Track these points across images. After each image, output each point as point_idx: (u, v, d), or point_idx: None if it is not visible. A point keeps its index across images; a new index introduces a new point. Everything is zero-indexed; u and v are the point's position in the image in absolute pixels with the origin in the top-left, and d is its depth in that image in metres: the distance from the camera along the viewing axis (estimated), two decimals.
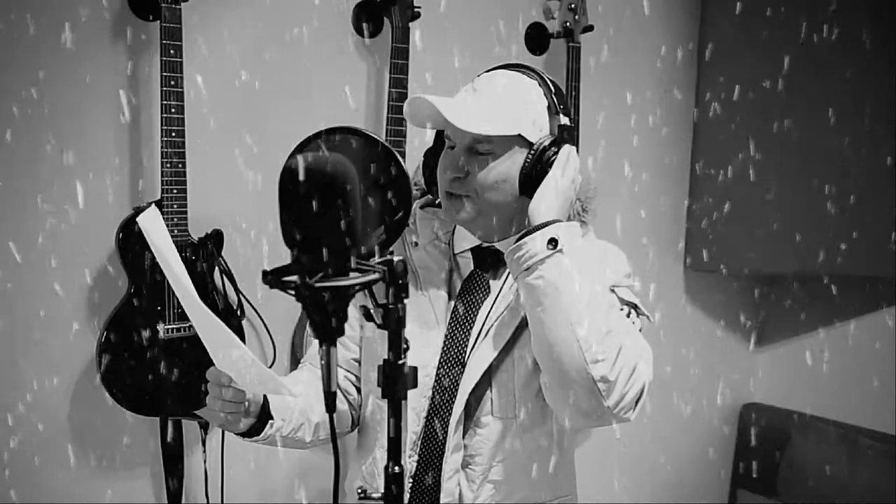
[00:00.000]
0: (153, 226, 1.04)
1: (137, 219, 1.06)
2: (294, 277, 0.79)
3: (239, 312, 1.93)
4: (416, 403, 1.26)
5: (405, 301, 0.85)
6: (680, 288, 2.85)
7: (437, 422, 1.25)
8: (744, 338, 3.01)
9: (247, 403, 1.20)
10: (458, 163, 1.20)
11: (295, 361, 2.08)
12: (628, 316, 1.18)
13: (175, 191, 1.76)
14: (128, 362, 1.78)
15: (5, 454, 1.80)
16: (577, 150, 1.23)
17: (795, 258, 2.59)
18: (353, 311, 1.23)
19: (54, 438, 1.87)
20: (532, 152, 1.19)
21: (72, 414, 1.89)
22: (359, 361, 1.38)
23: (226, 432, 1.76)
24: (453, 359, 1.26)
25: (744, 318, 2.99)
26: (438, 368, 1.26)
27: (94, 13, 1.80)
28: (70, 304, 1.85)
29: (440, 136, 1.28)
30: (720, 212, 2.61)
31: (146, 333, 1.78)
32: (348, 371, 1.39)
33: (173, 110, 1.73)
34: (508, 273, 1.22)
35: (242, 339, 1.90)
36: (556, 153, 1.19)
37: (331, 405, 0.85)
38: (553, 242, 1.10)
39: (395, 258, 0.85)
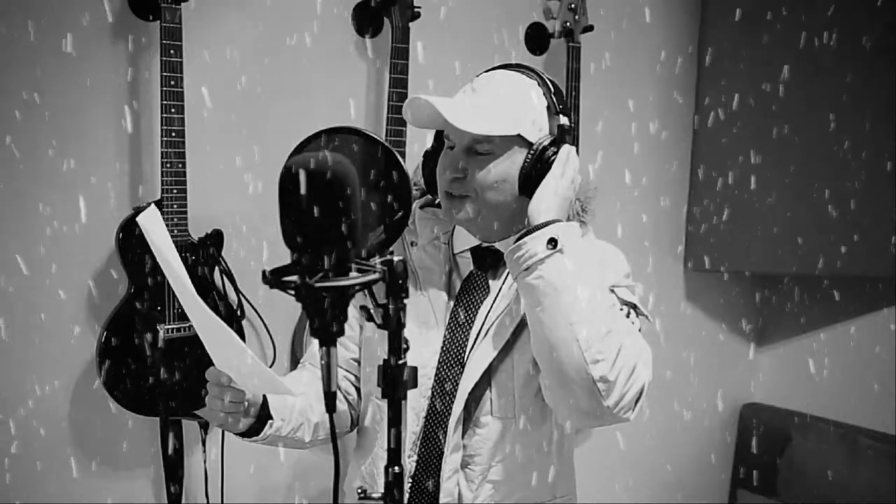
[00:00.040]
0: (153, 225, 1.04)
1: (137, 218, 1.06)
2: (294, 277, 0.79)
3: (239, 313, 1.93)
4: (416, 403, 1.26)
5: (405, 301, 0.85)
6: (680, 289, 2.85)
7: (436, 422, 1.25)
8: (744, 338, 3.01)
9: (246, 403, 1.20)
10: (457, 163, 1.20)
11: (295, 361, 2.08)
12: (627, 316, 1.18)
13: (175, 191, 1.76)
14: (128, 363, 1.78)
15: (5, 455, 1.80)
16: (577, 151, 1.23)
17: (796, 259, 2.59)
18: (352, 311, 1.24)
19: (54, 439, 1.87)
20: (531, 152, 1.19)
21: (72, 414, 1.89)
22: (358, 361, 1.38)
23: (226, 432, 1.76)
24: (453, 359, 1.26)
25: (744, 319, 2.99)
26: (438, 369, 1.26)
27: (93, 13, 1.80)
28: (70, 304, 1.85)
29: (440, 137, 1.28)
30: (720, 213, 2.62)
31: (146, 334, 1.78)
32: (347, 371, 1.39)
33: (173, 110, 1.73)
34: (508, 273, 1.22)
35: (242, 339, 1.90)
36: (555, 153, 1.19)
37: (331, 405, 0.85)
38: (553, 242, 1.10)
39: (395, 258, 0.85)
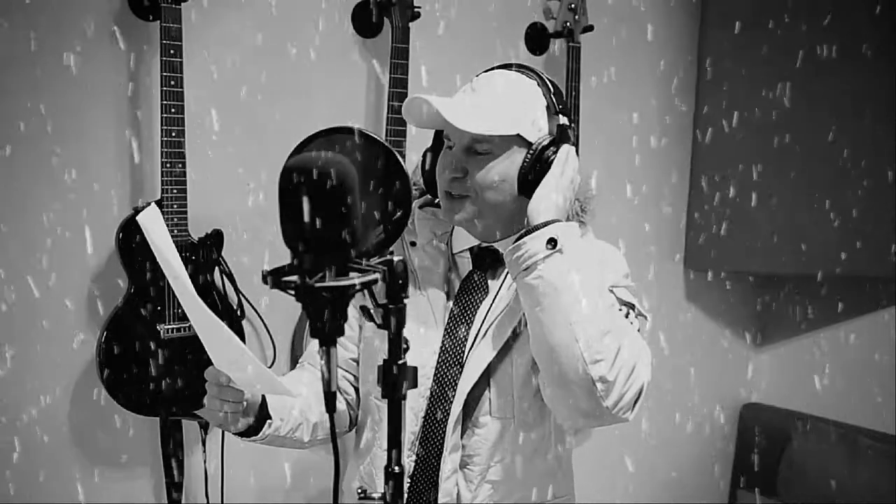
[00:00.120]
0: (153, 224, 1.04)
1: (137, 218, 1.06)
2: (294, 277, 0.79)
3: (239, 312, 1.93)
4: (415, 403, 1.26)
5: (404, 301, 0.85)
6: (680, 289, 2.85)
7: (435, 422, 1.25)
8: (744, 338, 3.01)
9: (245, 403, 1.20)
10: (456, 163, 1.20)
11: (295, 361, 2.07)
12: (626, 316, 1.18)
13: (175, 191, 1.76)
14: (128, 363, 1.78)
15: (6, 455, 1.80)
16: (577, 151, 1.23)
17: (796, 260, 2.59)
18: (351, 312, 1.24)
19: (54, 439, 1.87)
20: (531, 152, 1.19)
21: (72, 414, 1.89)
22: (357, 361, 1.38)
23: (226, 432, 1.76)
24: (452, 359, 1.26)
25: (744, 319, 2.99)
26: (437, 369, 1.26)
27: (94, 13, 1.80)
28: (70, 304, 1.85)
29: (439, 136, 1.28)
30: (721, 213, 2.62)
31: (146, 334, 1.79)
32: (346, 371, 1.39)
33: (173, 110, 1.73)
34: (507, 273, 1.22)
35: (242, 339, 1.90)
36: (555, 153, 1.19)
37: (331, 405, 0.85)
38: (552, 242, 1.10)
39: (395, 258, 0.85)
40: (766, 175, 2.53)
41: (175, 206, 1.77)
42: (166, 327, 1.79)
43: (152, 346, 1.78)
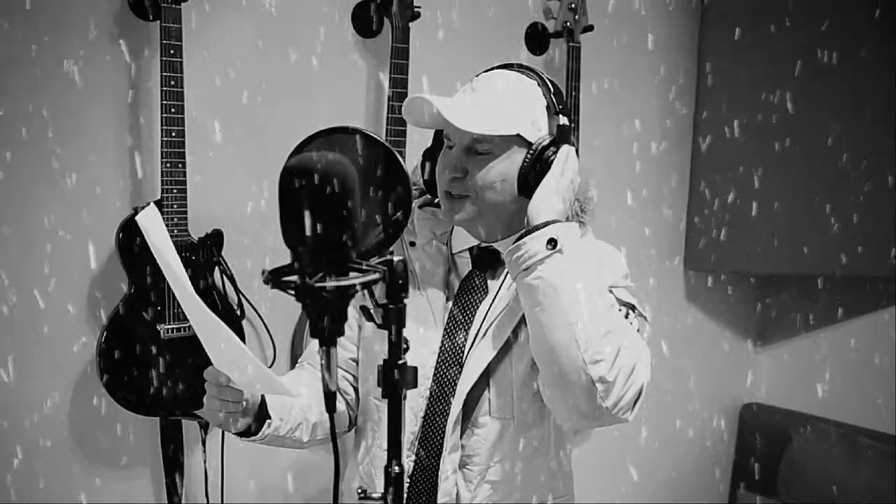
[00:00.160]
0: (152, 224, 1.04)
1: (136, 217, 1.06)
2: (294, 277, 0.79)
3: (239, 312, 1.93)
4: (414, 403, 1.26)
5: (404, 301, 0.85)
6: (681, 290, 2.85)
7: (434, 422, 1.25)
8: (744, 337, 3.01)
9: (245, 403, 1.20)
10: (456, 163, 1.20)
11: (295, 361, 2.07)
12: (626, 317, 1.18)
13: (175, 191, 1.76)
14: (128, 362, 1.78)
15: (6, 456, 1.80)
16: (577, 151, 1.23)
17: (796, 261, 2.59)
18: (351, 312, 1.24)
19: (55, 439, 1.87)
20: (531, 152, 1.19)
21: (72, 414, 1.89)
22: (356, 361, 1.38)
23: (226, 432, 1.76)
24: (451, 359, 1.26)
25: (744, 320, 2.99)
26: (436, 369, 1.26)
27: (94, 13, 1.80)
28: (70, 304, 1.85)
29: (439, 136, 1.28)
30: (721, 217, 2.62)
31: (146, 334, 1.79)
32: (346, 371, 1.39)
33: (173, 110, 1.73)
34: (507, 273, 1.22)
35: (242, 339, 1.90)
36: (554, 153, 1.19)
37: (331, 405, 0.85)
38: (552, 243, 1.10)
39: (395, 258, 0.85)
40: (767, 177, 2.54)
41: (175, 206, 1.77)
42: (166, 327, 1.79)
43: (152, 346, 1.78)
